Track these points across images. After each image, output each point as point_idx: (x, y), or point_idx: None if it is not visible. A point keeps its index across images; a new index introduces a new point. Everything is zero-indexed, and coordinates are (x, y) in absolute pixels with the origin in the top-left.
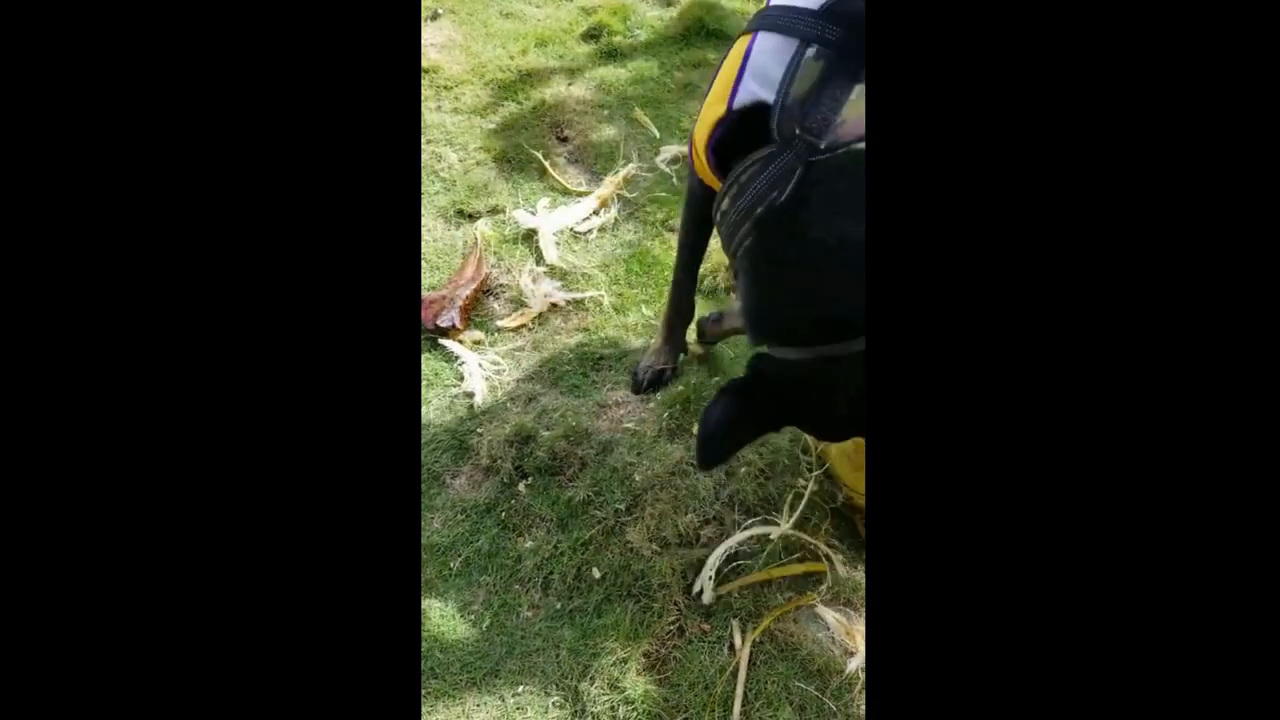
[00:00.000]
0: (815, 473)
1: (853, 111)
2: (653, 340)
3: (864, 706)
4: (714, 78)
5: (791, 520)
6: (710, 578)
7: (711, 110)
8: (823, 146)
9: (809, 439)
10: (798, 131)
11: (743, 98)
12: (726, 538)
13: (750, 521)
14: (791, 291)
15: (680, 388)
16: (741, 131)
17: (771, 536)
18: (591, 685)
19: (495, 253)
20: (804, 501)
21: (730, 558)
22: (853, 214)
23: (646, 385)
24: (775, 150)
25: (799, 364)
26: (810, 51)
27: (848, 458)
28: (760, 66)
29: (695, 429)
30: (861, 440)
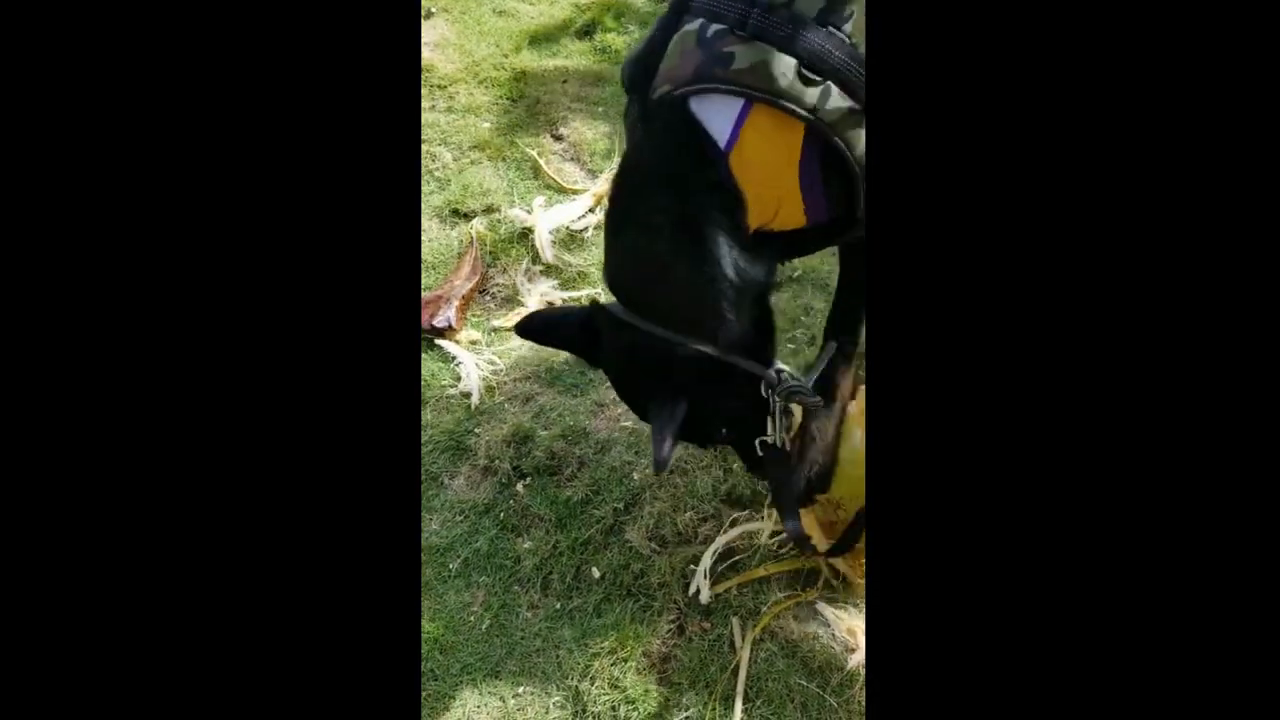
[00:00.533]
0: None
1: (667, 62)
2: None
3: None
4: None
5: (774, 515)
6: (705, 577)
7: None
8: (648, 101)
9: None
10: (626, 87)
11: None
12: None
13: (736, 515)
14: (608, 249)
15: None
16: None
17: (760, 536)
18: (592, 685)
19: (491, 252)
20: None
21: (726, 555)
22: (648, 180)
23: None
24: (628, 103)
25: (609, 313)
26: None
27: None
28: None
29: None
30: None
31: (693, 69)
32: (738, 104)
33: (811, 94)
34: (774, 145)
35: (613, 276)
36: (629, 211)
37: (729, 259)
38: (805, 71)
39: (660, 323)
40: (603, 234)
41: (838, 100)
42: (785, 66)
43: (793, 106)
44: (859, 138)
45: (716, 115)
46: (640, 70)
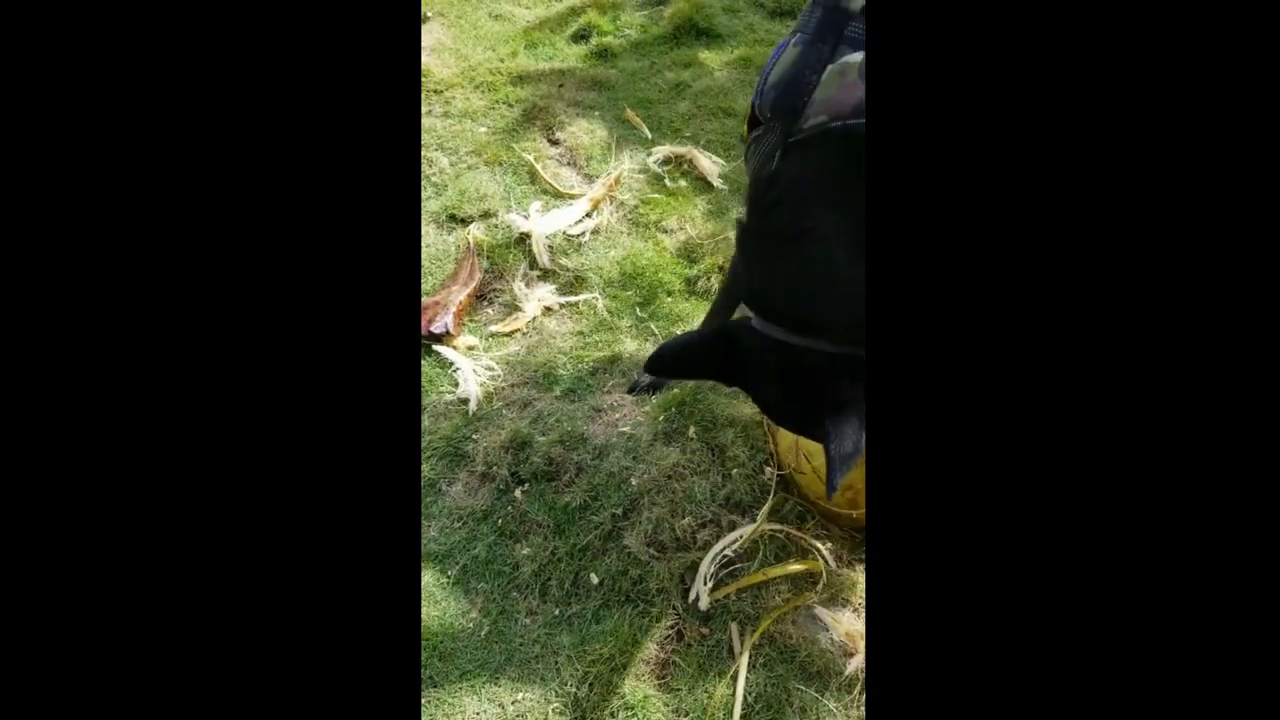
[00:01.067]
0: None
1: (823, 92)
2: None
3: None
4: None
5: (765, 514)
6: (704, 583)
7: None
8: (798, 127)
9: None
10: (769, 114)
11: (753, 96)
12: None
13: (741, 525)
14: (761, 270)
15: (675, 390)
16: (753, 125)
17: (743, 535)
18: (591, 691)
19: (488, 257)
20: (771, 497)
21: (725, 562)
22: (817, 199)
23: (644, 388)
24: (760, 132)
25: (761, 335)
26: (794, 39)
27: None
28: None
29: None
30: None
31: (854, 103)
32: None
33: None
34: None
35: (764, 296)
36: (793, 229)
37: None
38: None
39: (825, 336)
40: (739, 254)
41: None
42: None
43: None
44: None
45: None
46: (787, 97)
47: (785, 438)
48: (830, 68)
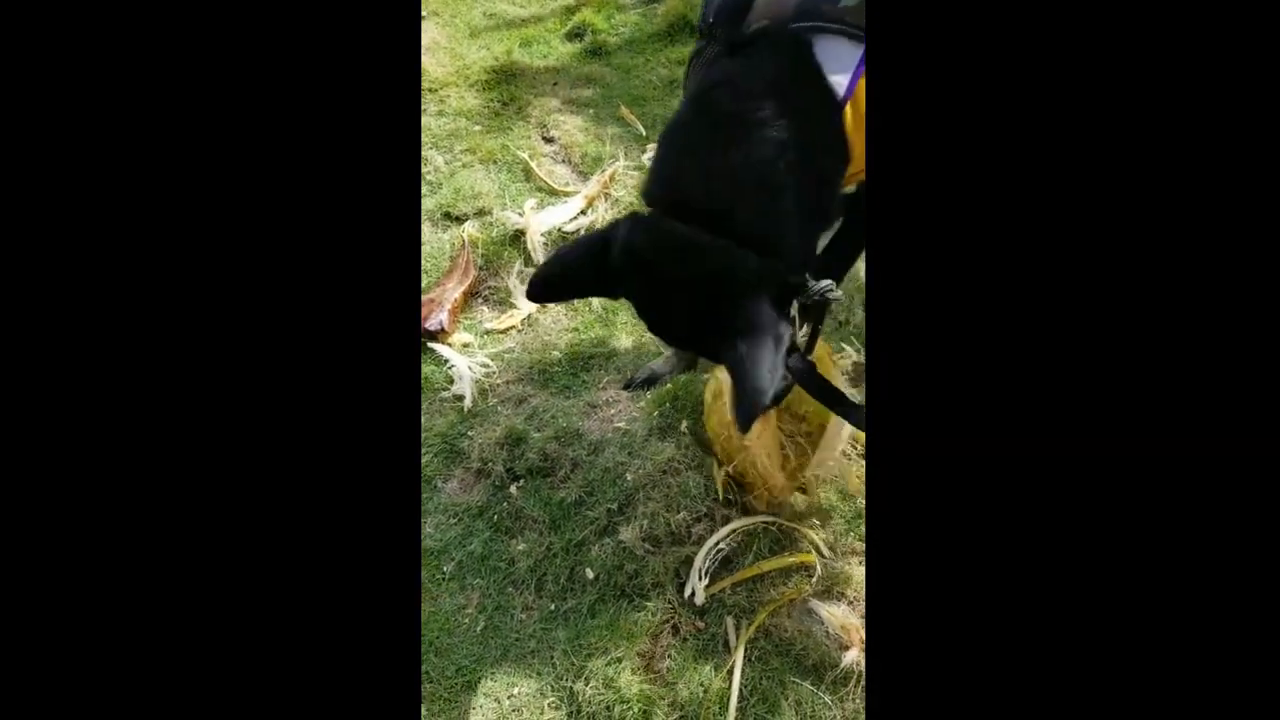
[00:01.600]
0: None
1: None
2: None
3: (860, 700)
4: None
5: (723, 494)
6: (700, 578)
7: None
8: (739, 33)
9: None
10: (711, 21)
11: (701, 14)
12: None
13: (728, 514)
14: (683, 160)
15: (669, 385)
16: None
17: (735, 528)
18: (587, 686)
19: (483, 255)
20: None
21: (721, 556)
22: (763, 94)
23: (639, 384)
24: (702, 44)
25: (664, 232)
26: None
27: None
28: None
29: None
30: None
31: (795, 5)
32: (856, 51)
33: None
34: None
35: (678, 186)
36: (738, 117)
37: (830, 195)
38: None
39: (732, 236)
40: (660, 145)
41: None
42: None
43: None
44: None
45: (833, 60)
46: (730, 4)
47: (722, 433)
48: None
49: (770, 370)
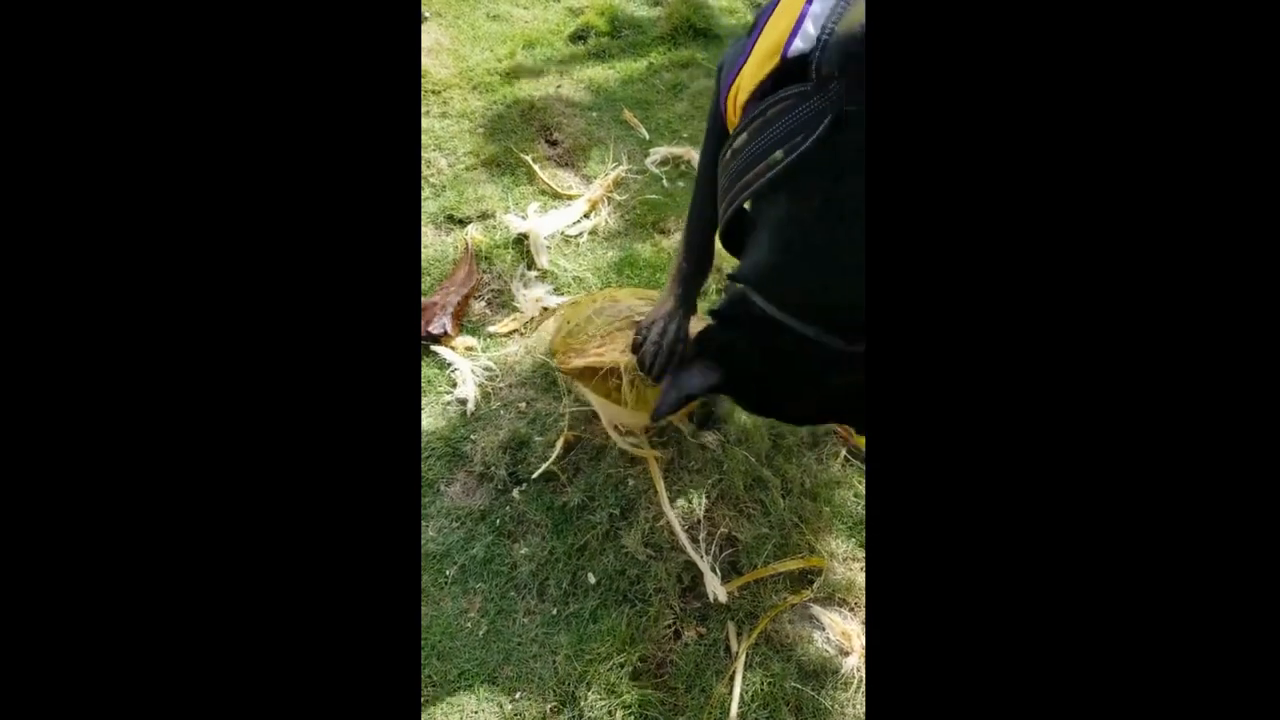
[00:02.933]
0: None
1: None
2: (659, 298)
3: (860, 706)
4: (764, 23)
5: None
6: (714, 572)
7: (767, 61)
8: (861, 97)
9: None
10: (836, 74)
11: (798, 45)
12: (719, 534)
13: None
14: (804, 256)
15: None
16: (785, 79)
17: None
18: (589, 690)
19: (486, 258)
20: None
21: (729, 559)
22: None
23: (656, 368)
24: (809, 90)
25: (781, 328)
26: None
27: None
28: (818, 13)
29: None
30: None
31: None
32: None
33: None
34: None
35: (807, 289)
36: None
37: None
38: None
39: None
40: (773, 235)
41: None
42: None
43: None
44: None
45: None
46: (856, 56)
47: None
48: None
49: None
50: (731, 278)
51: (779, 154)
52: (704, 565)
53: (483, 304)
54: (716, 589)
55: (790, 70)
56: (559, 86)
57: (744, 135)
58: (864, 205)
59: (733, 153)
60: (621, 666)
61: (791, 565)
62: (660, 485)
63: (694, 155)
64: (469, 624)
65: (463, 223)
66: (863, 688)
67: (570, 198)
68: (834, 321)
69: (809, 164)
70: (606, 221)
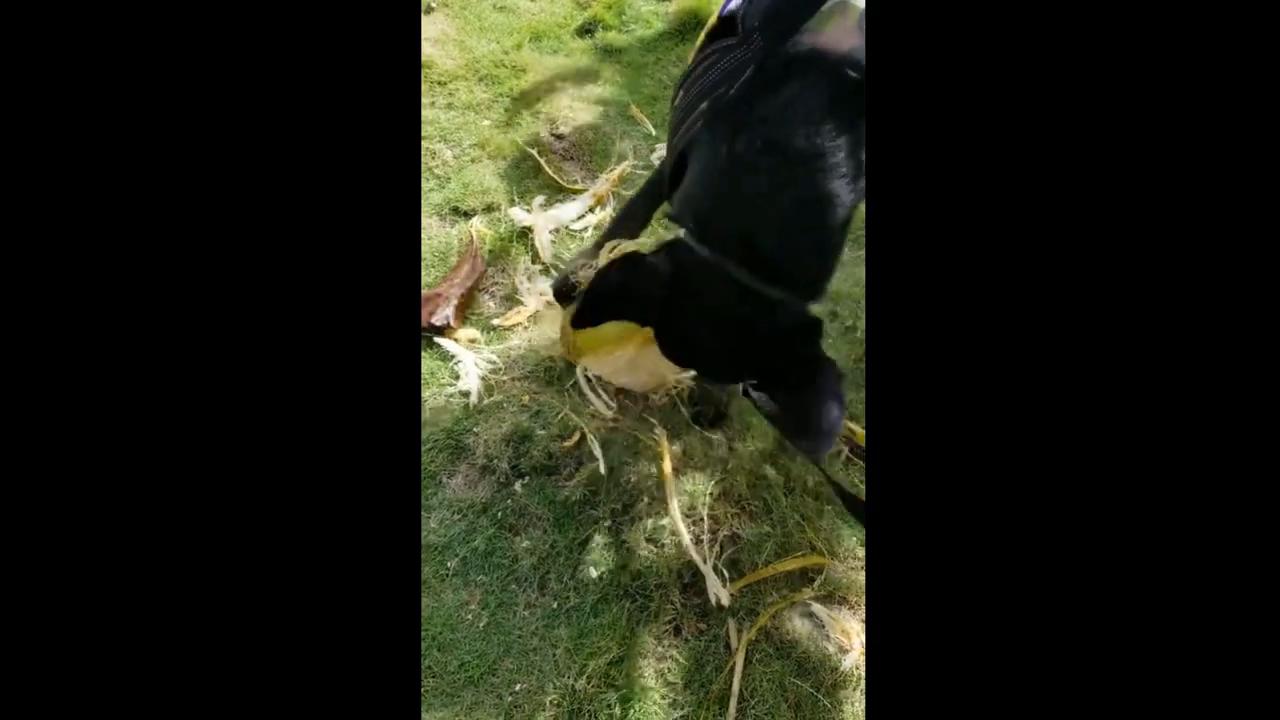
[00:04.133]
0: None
1: (819, 24)
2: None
3: (859, 703)
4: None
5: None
6: (717, 574)
7: (709, 24)
8: (784, 49)
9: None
10: (757, 29)
11: (730, 6)
12: (721, 535)
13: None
14: (723, 194)
15: (675, 389)
16: (718, 36)
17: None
18: (588, 684)
19: (491, 250)
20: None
21: (730, 557)
22: (826, 122)
23: (708, 419)
24: (733, 43)
25: (720, 277)
26: None
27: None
28: None
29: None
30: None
31: (847, 49)
32: None
33: None
34: None
35: (728, 228)
36: (802, 149)
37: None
38: None
39: (796, 289)
40: (697, 165)
41: None
42: None
43: None
44: None
45: None
46: (784, 16)
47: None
48: (831, 2)
49: (834, 418)
50: (668, 216)
51: (705, 105)
52: (706, 568)
53: (486, 296)
54: (718, 591)
55: (723, 28)
56: (565, 80)
57: (682, 91)
58: (786, 154)
59: (673, 109)
60: (621, 661)
61: (793, 565)
62: (670, 485)
63: None
64: (469, 616)
65: (467, 215)
66: (862, 685)
67: (575, 192)
68: (758, 266)
69: (731, 111)
70: (611, 216)
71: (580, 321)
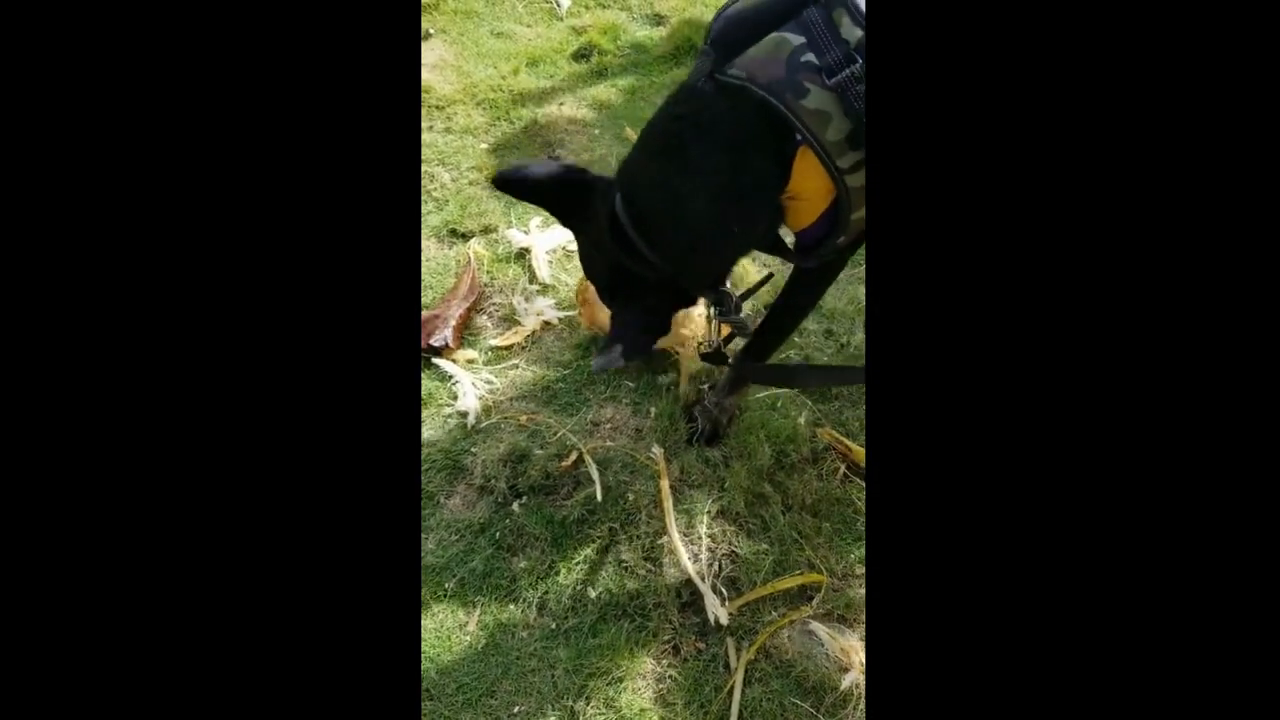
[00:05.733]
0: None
1: (756, 51)
2: None
3: None
4: None
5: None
6: (716, 594)
7: None
8: (723, 69)
9: None
10: (709, 40)
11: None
12: (720, 553)
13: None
14: (637, 157)
15: (667, 404)
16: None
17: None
18: (587, 705)
19: (488, 271)
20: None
21: (729, 575)
22: (697, 138)
23: (703, 437)
24: (703, 52)
25: (620, 228)
26: None
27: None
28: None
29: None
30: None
31: (769, 80)
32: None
33: (848, 159)
34: (815, 185)
35: (633, 182)
36: (683, 150)
37: (757, 235)
38: (852, 139)
39: (651, 244)
40: (643, 137)
41: (861, 178)
42: (841, 127)
43: (831, 163)
44: (860, 213)
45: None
46: (731, 36)
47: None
48: (774, 34)
49: (631, 342)
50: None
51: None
52: (704, 587)
53: (484, 317)
54: (717, 610)
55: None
56: (561, 103)
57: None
58: (681, 157)
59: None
60: (620, 681)
61: (791, 583)
62: (668, 503)
63: None
64: (468, 637)
65: (465, 237)
66: (862, 704)
67: None
68: (635, 220)
69: (681, 116)
70: None
71: (499, 183)
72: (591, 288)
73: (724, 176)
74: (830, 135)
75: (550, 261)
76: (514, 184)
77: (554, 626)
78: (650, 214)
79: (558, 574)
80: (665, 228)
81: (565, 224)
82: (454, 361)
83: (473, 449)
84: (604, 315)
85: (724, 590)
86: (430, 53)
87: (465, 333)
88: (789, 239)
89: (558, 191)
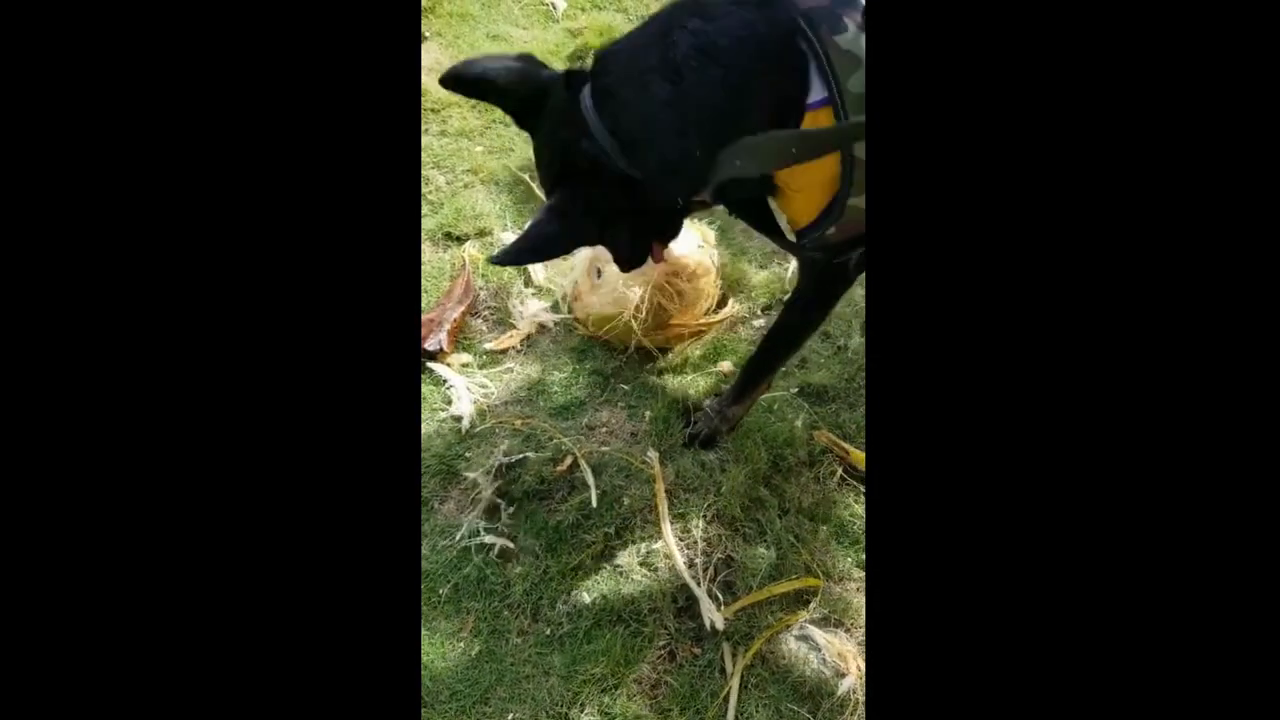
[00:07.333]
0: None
1: None
2: None
3: None
4: None
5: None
6: (711, 598)
7: None
8: None
9: None
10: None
11: None
12: (716, 558)
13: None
14: (627, 53)
15: (664, 410)
16: None
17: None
18: (582, 712)
19: (483, 275)
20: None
21: (725, 580)
22: (739, 36)
23: (701, 441)
24: None
25: (593, 134)
26: None
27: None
28: None
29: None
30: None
31: (809, 5)
32: (822, 91)
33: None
34: (817, 176)
35: (615, 75)
36: (681, 57)
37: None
38: None
39: (623, 148)
40: (634, 34)
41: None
42: (864, 80)
43: (845, 119)
44: (860, 200)
45: (815, 74)
46: None
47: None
48: None
49: (534, 239)
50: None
51: None
52: (700, 592)
53: (479, 321)
54: (713, 615)
55: None
56: None
57: None
58: (702, 80)
59: None
60: (615, 688)
61: (788, 587)
62: (663, 508)
63: None
64: (462, 644)
65: (460, 240)
66: (859, 710)
67: None
68: (638, 159)
69: (694, 11)
70: None
71: (447, 80)
72: (584, 285)
73: (716, 96)
74: (853, 86)
75: (545, 264)
76: (466, 82)
77: (548, 632)
78: (626, 117)
79: (552, 580)
80: (638, 133)
81: (520, 124)
82: (448, 365)
83: (467, 453)
84: (595, 305)
85: (720, 595)
86: (426, 56)
87: (460, 336)
88: (790, 239)
89: (514, 88)
